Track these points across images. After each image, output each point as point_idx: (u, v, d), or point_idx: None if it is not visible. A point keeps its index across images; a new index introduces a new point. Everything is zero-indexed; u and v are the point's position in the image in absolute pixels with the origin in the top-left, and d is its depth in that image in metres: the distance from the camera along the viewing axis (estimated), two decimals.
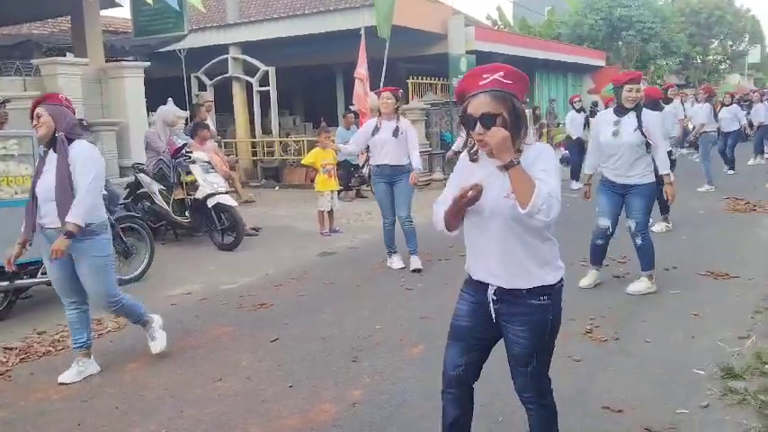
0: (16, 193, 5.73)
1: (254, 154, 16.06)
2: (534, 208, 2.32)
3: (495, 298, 2.61)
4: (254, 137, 16.05)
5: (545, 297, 2.58)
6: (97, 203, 4.24)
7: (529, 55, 19.81)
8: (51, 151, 4.22)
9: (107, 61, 11.18)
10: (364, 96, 12.98)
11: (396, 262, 6.95)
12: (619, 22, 27.94)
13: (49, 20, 15.35)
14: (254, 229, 9.14)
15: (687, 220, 8.81)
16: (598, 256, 5.93)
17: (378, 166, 6.90)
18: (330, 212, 9.19)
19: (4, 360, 4.75)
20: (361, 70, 13.07)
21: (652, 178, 5.63)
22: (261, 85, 15.35)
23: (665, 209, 8.19)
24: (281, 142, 15.53)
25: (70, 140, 4.20)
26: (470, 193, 2.42)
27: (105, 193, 6.93)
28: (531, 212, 2.33)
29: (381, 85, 13.70)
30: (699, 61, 39.86)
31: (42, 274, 5.89)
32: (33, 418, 3.81)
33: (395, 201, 6.87)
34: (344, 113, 14.30)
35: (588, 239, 5.99)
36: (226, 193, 8.43)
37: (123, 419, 3.75)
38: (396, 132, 6.68)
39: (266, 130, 16.02)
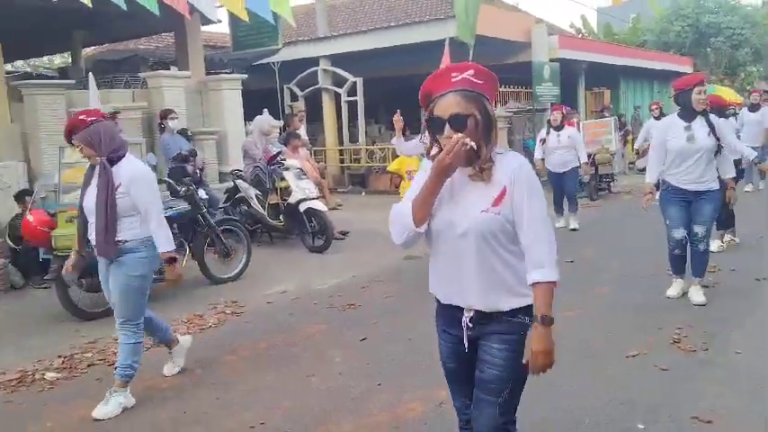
0: None
1: (342, 161, 16.31)
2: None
3: (470, 325, 2.33)
4: (341, 145, 16.31)
5: (526, 317, 2.29)
6: (136, 220, 3.92)
7: (613, 62, 19.28)
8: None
9: (207, 74, 11.61)
10: None
11: None
12: (707, 29, 26.77)
13: (154, 36, 16.07)
14: (342, 232, 9.28)
15: None
16: (679, 265, 5.64)
17: None
18: None
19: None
20: None
21: (719, 184, 5.40)
22: (349, 96, 15.57)
23: (722, 224, 7.33)
24: (367, 150, 15.72)
25: (113, 161, 3.85)
26: (457, 146, 2.12)
27: (206, 197, 7.26)
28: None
29: None
30: None
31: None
32: (144, 404, 4.01)
33: None
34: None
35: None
36: (316, 198, 8.61)
37: (223, 409, 3.90)
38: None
39: (353, 139, 16.26)
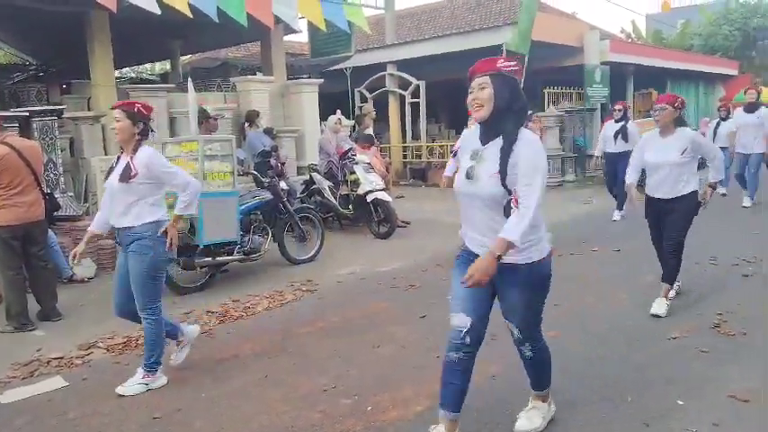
0: (219, 186, 6.20)
1: (405, 156, 16.37)
2: None
3: None
4: (404, 142, 16.36)
5: None
6: None
7: (660, 65, 18.62)
8: None
9: (288, 79, 11.80)
10: None
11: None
12: (755, 32, 25.46)
13: (242, 45, 16.42)
14: (404, 222, 9.32)
15: None
16: (448, 398, 2.88)
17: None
18: None
19: (207, 321, 5.19)
20: None
21: (542, 254, 2.79)
22: (412, 97, 15.60)
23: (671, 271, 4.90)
24: (427, 146, 15.73)
25: None
26: None
27: (287, 188, 7.41)
28: None
29: None
30: None
31: (237, 253, 6.39)
32: (230, 369, 4.15)
33: None
34: None
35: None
36: (382, 190, 8.67)
37: (301, 374, 3.99)
38: (125, 174, 3.70)
39: (415, 136, 16.28)
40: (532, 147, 2.61)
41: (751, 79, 22.21)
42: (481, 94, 2.64)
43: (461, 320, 2.80)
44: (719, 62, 23.07)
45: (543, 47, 13.90)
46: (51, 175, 7.33)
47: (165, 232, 3.79)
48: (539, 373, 3.12)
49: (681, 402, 3.31)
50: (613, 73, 15.98)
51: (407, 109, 15.92)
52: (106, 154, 8.44)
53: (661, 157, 4.73)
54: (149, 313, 3.83)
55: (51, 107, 8.18)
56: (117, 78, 11.43)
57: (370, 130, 10.73)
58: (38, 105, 9.52)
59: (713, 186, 4.86)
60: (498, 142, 2.64)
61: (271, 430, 3.25)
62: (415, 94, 15.50)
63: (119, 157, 3.90)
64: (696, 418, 3.13)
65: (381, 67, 16.11)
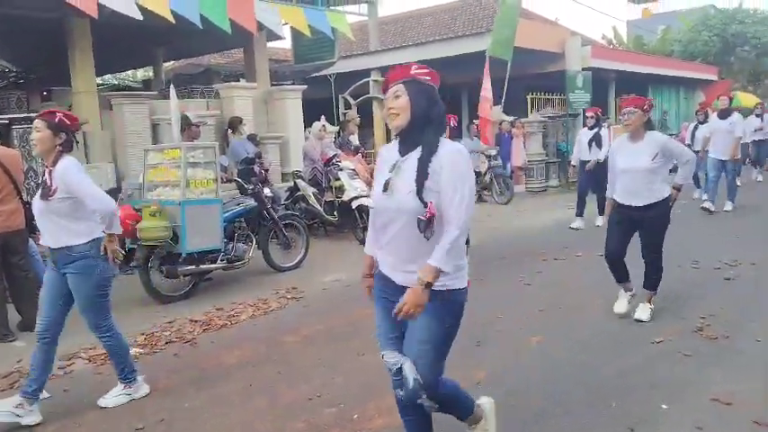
0: (202, 194, 6.16)
1: None
2: None
3: None
4: None
5: None
6: None
7: (642, 71, 18.84)
8: None
9: (272, 85, 11.77)
10: (489, 108, 12.98)
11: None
12: (733, 38, 25.87)
13: (225, 51, 16.36)
14: None
15: None
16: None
17: None
18: None
19: (191, 330, 5.14)
20: (485, 93, 13.00)
21: (464, 282, 2.52)
22: None
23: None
24: None
25: None
26: None
27: (271, 195, 7.38)
28: None
29: (503, 99, 13.59)
30: None
31: (221, 260, 6.34)
32: (214, 378, 4.11)
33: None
34: (468, 125, 14.27)
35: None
36: (367, 196, 8.66)
37: (285, 382, 3.96)
38: (44, 191, 3.49)
39: None
40: (456, 157, 2.36)
41: (730, 85, 22.57)
42: (396, 103, 2.44)
43: (393, 357, 2.62)
44: (699, 68, 23.38)
45: (526, 53, 14.00)
46: (32, 184, 7.25)
47: (106, 249, 3.59)
48: (456, 412, 2.82)
49: (664, 406, 3.33)
50: (595, 78, 16.15)
51: None
52: (88, 162, 8.36)
53: (631, 162, 4.55)
54: (103, 331, 3.70)
55: (32, 114, 8.08)
56: (99, 85, 11.32)
57: (354, 137, 10.72)
58: (18, 113, 9.42)
59: (678, 188, 4.74)
60: (417, 153, 2.40)
61: None
62: None
63: (44, 172, 3.59)
64: (679, 421, 3.15)
65: (365, 73, 16.12)
